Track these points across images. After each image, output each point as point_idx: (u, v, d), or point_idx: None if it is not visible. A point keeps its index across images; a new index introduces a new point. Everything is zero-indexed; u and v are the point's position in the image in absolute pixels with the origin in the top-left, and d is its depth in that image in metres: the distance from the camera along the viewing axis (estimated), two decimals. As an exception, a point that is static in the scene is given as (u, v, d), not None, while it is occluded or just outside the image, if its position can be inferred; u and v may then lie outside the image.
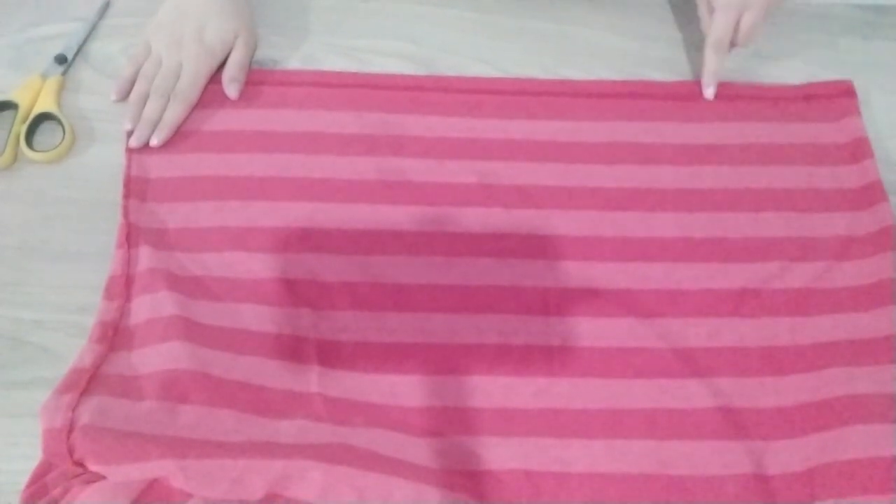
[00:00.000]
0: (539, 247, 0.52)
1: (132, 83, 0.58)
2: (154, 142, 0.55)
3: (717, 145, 0.57)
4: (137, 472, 0.41)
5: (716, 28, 0.58)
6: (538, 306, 0.50)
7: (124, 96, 0.57)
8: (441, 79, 0.60)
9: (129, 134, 0.55)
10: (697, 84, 0.60)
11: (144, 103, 0.56)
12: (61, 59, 0.59)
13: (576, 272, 0.52)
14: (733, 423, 0.46)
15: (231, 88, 0.57)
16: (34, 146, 0.55)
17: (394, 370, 0.48)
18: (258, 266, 0.50)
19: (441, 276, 0.51)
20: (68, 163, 0.56)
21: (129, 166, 0.54)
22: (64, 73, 0.59)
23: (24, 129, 0.55)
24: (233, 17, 0.59)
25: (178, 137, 0.56)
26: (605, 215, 0.54)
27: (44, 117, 0.57)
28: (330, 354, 0.48)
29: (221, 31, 0.58)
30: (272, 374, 0.47)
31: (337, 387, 0.47)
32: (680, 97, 0.59)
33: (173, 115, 0.56)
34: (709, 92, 0.58)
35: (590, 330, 0.50)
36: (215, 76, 0.58)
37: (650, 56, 0.62)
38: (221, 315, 0.49)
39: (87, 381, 0.45)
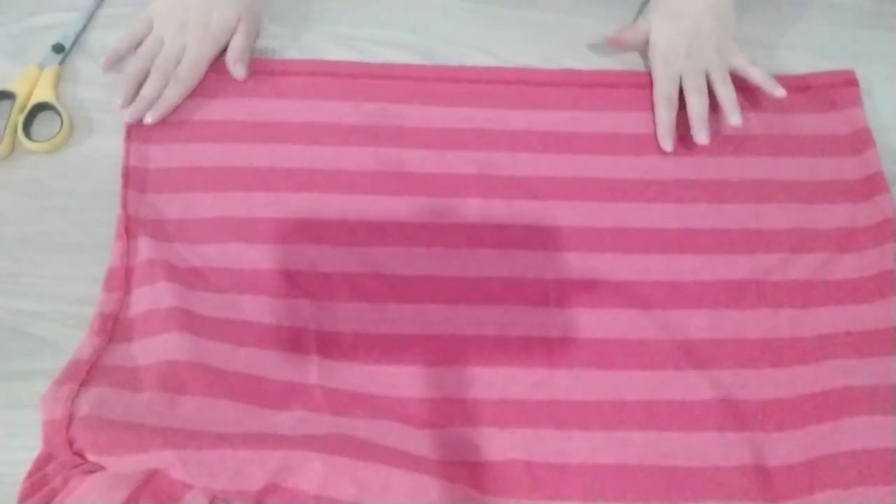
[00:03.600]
0: (539, 238, 0.52)
1: (122, 56, 0.58)
2: (148, 119, 0.55)
3: (717, 135, 0.56)
4: (137, 463, 0.41)
5: (661, 84, 0.57)
6: (538, 297, 0.50)
7: (112, 65, 0.57)
8: (441, 68, 0.59)
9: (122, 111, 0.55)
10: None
11: (140, 82, 0.56)
12: (59, 49, 0.59)
13: (576, 263, 0.52)
14: (733, 415, 0.46)
15: (237, 68, 0.57)
16: (32, 136, 0.55)
17: (393, 361, 0.48)
18: (257, 257, 0.50)
19: (441, 267, 0.51)
20: (66, 153, 0.55)
21: (127, 157, 0.54)
22: (61, 63, 0.59)
23: (21, 118, 0.55)
24: (236, 2, 0.58)
25: (177, 127, 0.56)
26: (605, 206, 0.54)
27: (41, 107, 0.56)
28: (329, 346, 0.48)
29: (225, 17, 0.58)
30: (272, 365, 0.47)
31: (336, 378, 0.47)
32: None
33: (172, 95, 0.56)
34: (666, 144, 0.55)
35: (590, 321, 0.50)
36: (219, 65, 0.58)
37: (651, 46, 0.62)
38: (221, 306, 0.49)
39: (86, 373, 0.45)
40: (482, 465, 0.45)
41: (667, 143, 0.55)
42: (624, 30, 0.60)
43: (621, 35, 0.60)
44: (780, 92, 0.56)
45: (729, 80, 0.57)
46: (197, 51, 0.57)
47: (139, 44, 0.58)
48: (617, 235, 0.53)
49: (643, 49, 0.61)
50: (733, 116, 0.55)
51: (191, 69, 0.56)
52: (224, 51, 0.59)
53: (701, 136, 0.55)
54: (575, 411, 0.47)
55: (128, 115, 0.55)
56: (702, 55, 0.57)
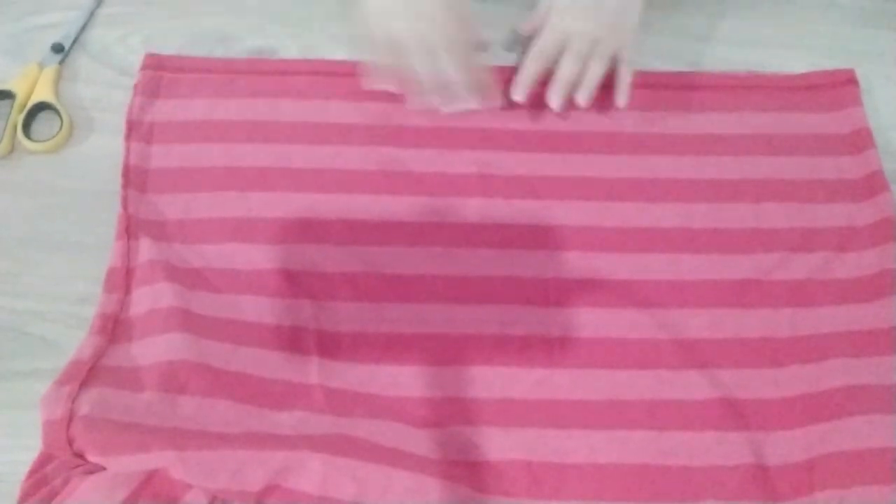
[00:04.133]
0: (539, 237, 0.52)
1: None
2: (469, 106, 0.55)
3: (718, 135, 0.56)
4: (137, 463, 0.41)
5: (542, 37, 0.55)
6: (538, 297, 0.50)
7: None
8: (441, 68, 0.59)
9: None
10: (698, 75, 0.59)
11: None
12: (58, 48, 0.59)
13: (576, 262, 0.52)
14: (734, 414, 0.46)
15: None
16: (32, 136, 0.55)
17: (394, 361, 0.48)
18: (258, 257, 0.50)
19: (441, 266, 0.51)
20: (66, 153, 0.55)
21: (127, 156, 0.54)
22: (61, 63, 0.58)
23: (21, 118, 0.55)
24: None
25: (178, 127, 0.55)
26: (605, 205, 0.54)
27: (41, 107, 0.56)
28: (330, 345, 0.48)
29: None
30: (272, 365, 0.47)
31: (337, 378, 0.47)
32: (681, 87, 0.59)
33: (457, 75, 0.52)
34: (518, 94, 0.54)
35: (590, 320, 0.50)
36: (219, 65, 0.58)
37: (651, 46, 0.62)
38: (221, 306, 0.49)
39: (87, 373, 0.45)
40: (482, 464, 0.45)
41: (519, 93, 0.54)
42: (533, 16, 0.57)
43: (531, 22, 0.57)
44: (622, 101, 0.55)
45: (606, 61, 0.54)
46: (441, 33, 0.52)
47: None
48: (617, 235, 0.52)
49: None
50: (581, 95, 0.54)
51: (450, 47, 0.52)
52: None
53: (554, 100, 0.54)
54: (575, 411, 0.47)
55: (447, 109, 0.55)
56: (597, 24, 0.55)
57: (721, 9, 0.63)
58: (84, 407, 0.43)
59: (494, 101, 0.56)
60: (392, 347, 0.48)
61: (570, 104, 0.56)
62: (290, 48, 0.61)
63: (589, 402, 0.47)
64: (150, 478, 0.41)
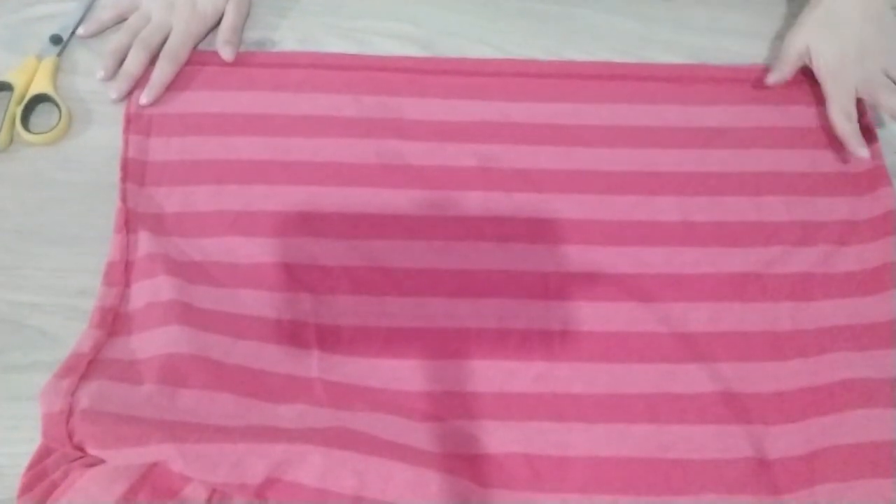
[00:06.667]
0: (539, 230, 0.52)
1: (107, 27, 0.59)
2: (143, 101, 0.55)
3: (719, 128, 0.56)
4: (137, 456, 0.41)
5: (835, 99, 0.55)
6: (538, 290, 0.50)
7: (93, 34, 0.59)
8: (441, 61, 0.59)
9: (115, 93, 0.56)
10: (700, 67, 0.59)
11: (122, 57, 0.57)
12: (57, 40, 0.58)
13: (576, 256, 0.51)
14: (734, 408, 0.46)
15: (226, 50, 0.57)
16: (30, 128, 0.55)
17: (394, 355, 0.48)
18: (257, 251, 0.50)
19: (441, 260, 0.51)
20: (65, 145, 0.55)
21: (126, 149, 0.54)
22: (59, 54, 0.58)
23: (19, 110, 0.55)
24: None
25: (176, 119, 0.55)
26: (606, 199, 0.53)
27: (39, 99, 0.56)
28: (330, 339, 0.48)
29: None
30: (272, 358, 0.47)
31: (337, 371, 0.47)
32: (683, 80, 0.58)
33: (163, 73, 0.56)
34: (864, 151, 0.53)
35: (590, 314, 0.50)
36: (219, 57, 0.58)
37: (653, 38, 0.62)
38: (221, 300, 0.49)
39: (86, 366, 0.45)
40: (482, 457, 0.45)
41: (864, 150, 0.53)
42: (779, 64, 0.57)
43: (780, 73, 0.57)
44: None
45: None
46: (184, 28, 0.57)
47: (123, 17, 0.59)
48: (617, 228, 0.52)
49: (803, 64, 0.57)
50: None
51: (179, 46, 0.57)
52: (214, 32, 0.59)
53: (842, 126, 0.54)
54: (575, 404, 0.47)
55: (114, 92, 0.55)
56: (873, 60, 0.55)
57: (722, 1, 0.63)
58: (84, 400, 0.43)
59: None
60: (392, 341, 0.48)
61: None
62: (290, 40, 0.60)
63: (589, 396, 0.47)
64: (150, 471, 0.41)
